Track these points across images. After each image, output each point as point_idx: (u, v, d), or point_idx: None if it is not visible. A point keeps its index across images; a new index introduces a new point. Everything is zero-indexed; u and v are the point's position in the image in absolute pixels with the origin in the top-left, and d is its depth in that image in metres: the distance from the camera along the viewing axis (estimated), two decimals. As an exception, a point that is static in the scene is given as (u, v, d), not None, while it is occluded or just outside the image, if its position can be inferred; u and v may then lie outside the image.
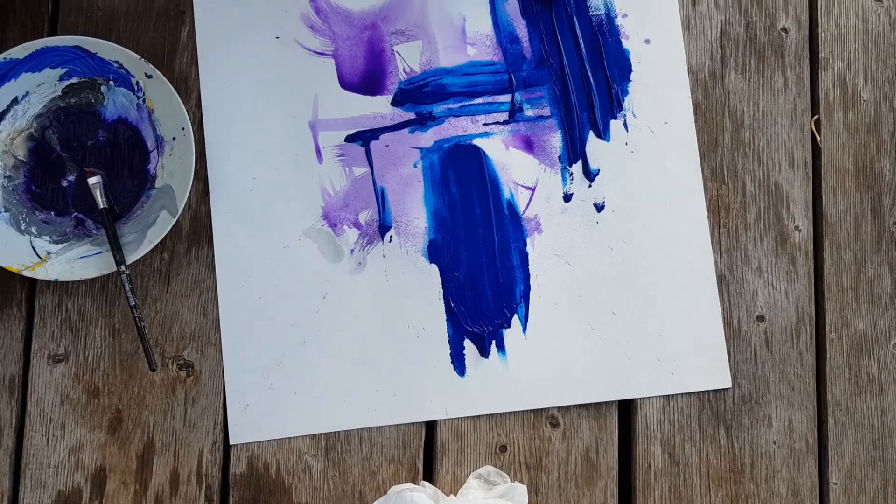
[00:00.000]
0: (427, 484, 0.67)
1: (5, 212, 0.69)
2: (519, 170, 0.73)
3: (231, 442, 0.69)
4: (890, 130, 0.74)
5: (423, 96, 0.73)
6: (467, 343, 0.71)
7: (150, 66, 0.69)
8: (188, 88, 0.72)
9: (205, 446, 0.69)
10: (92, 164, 0.70)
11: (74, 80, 0.70)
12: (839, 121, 0.74)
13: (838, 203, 0.73)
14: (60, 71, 0.70)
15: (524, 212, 0.72)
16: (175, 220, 0.68)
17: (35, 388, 0.69)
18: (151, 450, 0.69)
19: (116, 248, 0.67)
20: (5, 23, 0.73)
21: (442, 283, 0.71)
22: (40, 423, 0.69)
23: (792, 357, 0.72)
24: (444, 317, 0.71)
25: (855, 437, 0.71)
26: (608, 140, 0.73)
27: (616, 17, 0.74)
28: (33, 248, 0.69)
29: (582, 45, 0.74)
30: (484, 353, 0.71)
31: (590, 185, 0.73)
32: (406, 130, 0.73)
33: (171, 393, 0.70)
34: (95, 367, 0.70)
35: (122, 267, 0.67)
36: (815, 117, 0.75)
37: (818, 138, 0.74)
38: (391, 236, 0.72)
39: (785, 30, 0.75)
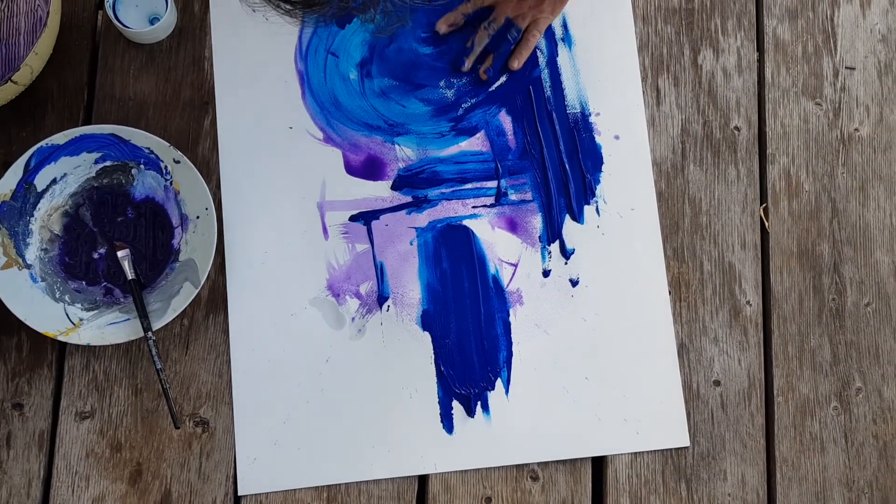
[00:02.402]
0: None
1: (41, 281, 0.76)
2: (503, 248, 0.81)
3: (240, 493, 0.75)
4: (829, 217, 0.84)
5: (420, 182, 0.81)
6: (455, 404, 0.78)
7: (179, 152, 0.76)
8: (209, 171, 0.80)
9: (217, 497, 0.75)
10: (121, 238, 0.77)
11: (108, 163, 0.77)
12: (784, 209, 0.84)
13: (784, 281, 0.83)
14: (96, 155, 0.76)
15: (508, 286, 0.81)
16: (197, 290, 0.75)
17: (62, 442, 0.75)
18: (168, 500, 0.75)
19: (143, 316, 0.74)
20: (45, 109, 0.80)
21: (433, 349, 0.79)
22: (66, 474, 0.75)
23: (744, 418, 0.80)
24: (435, 379, 0.78)
25: (800, 490, 0.79)
26: (582, 223, 0.82)
27: (590, 115, 0.84)
28: (67, 314, 0.75)
29: (560, 139, 0.83)
30: (470, 412, 0.78)
31: (566, 263, 0.81)
32: (404, 212, 0.81)
33: (188, 448, 0.76)
34: (119, 424, 0.76)
35: (149, 333, 0.74)
36: (764, 205, 0.84)
37: (766, 224, 0.84)
38: (389, 306, 0.79)
39: (737, 128, 0.85)
